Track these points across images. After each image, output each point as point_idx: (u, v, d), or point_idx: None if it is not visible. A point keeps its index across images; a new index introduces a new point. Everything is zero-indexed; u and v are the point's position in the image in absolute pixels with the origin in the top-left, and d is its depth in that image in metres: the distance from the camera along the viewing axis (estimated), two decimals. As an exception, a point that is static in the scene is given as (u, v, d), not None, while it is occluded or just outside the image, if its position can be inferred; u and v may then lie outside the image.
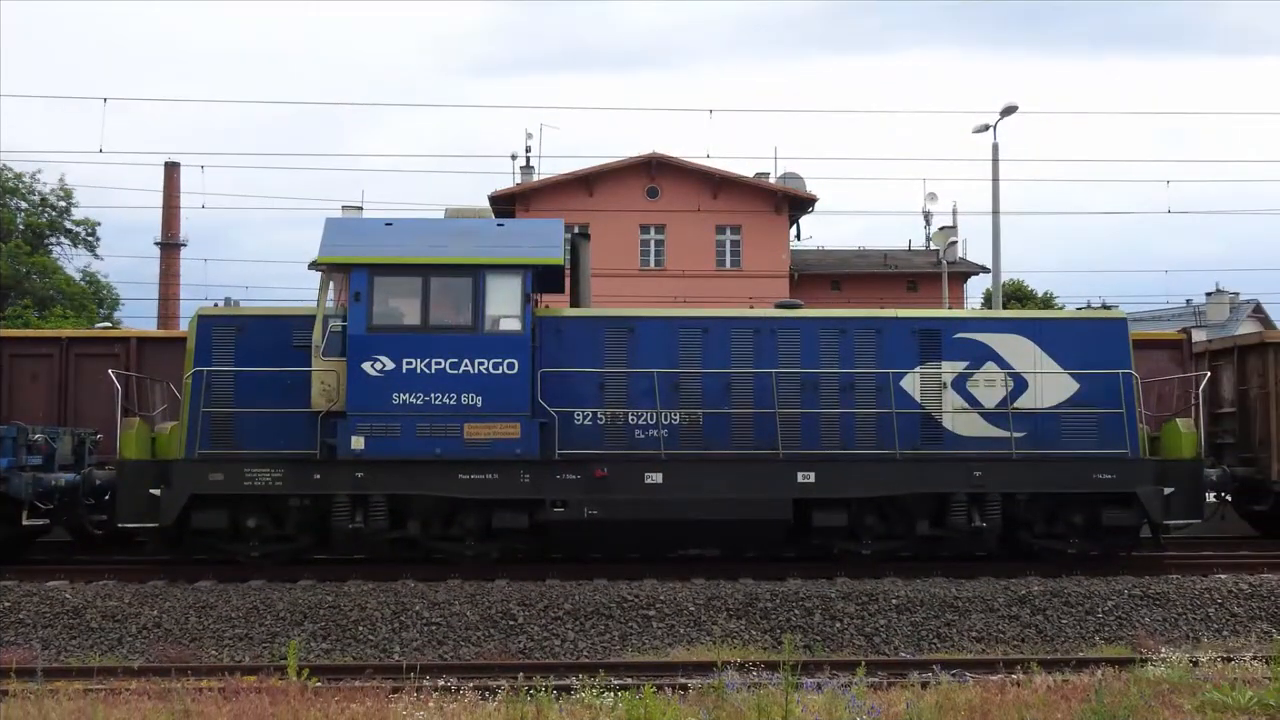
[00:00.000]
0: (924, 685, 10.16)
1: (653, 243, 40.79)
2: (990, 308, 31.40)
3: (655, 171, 40.35)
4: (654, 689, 9.25)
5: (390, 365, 14.18)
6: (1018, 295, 54.14)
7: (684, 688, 10.15)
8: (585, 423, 14.78)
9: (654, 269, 40.31)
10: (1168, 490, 14.81)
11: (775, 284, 38.79)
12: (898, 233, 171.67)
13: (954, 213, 47.24)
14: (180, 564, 15.00)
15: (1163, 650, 12.00)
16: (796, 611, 13.53)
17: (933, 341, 15.25)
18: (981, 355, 15.21)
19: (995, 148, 29.94)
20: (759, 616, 13.46)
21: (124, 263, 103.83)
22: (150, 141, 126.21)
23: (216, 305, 22.97)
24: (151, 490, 14.27)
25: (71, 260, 51.37)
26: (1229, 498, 17.04)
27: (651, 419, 14.84)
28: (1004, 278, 34.46)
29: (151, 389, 17.48)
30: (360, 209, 40.08)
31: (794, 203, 41.39)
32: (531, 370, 14.40)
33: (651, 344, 15.05)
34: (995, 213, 29.67)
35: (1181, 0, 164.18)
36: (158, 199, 55.83)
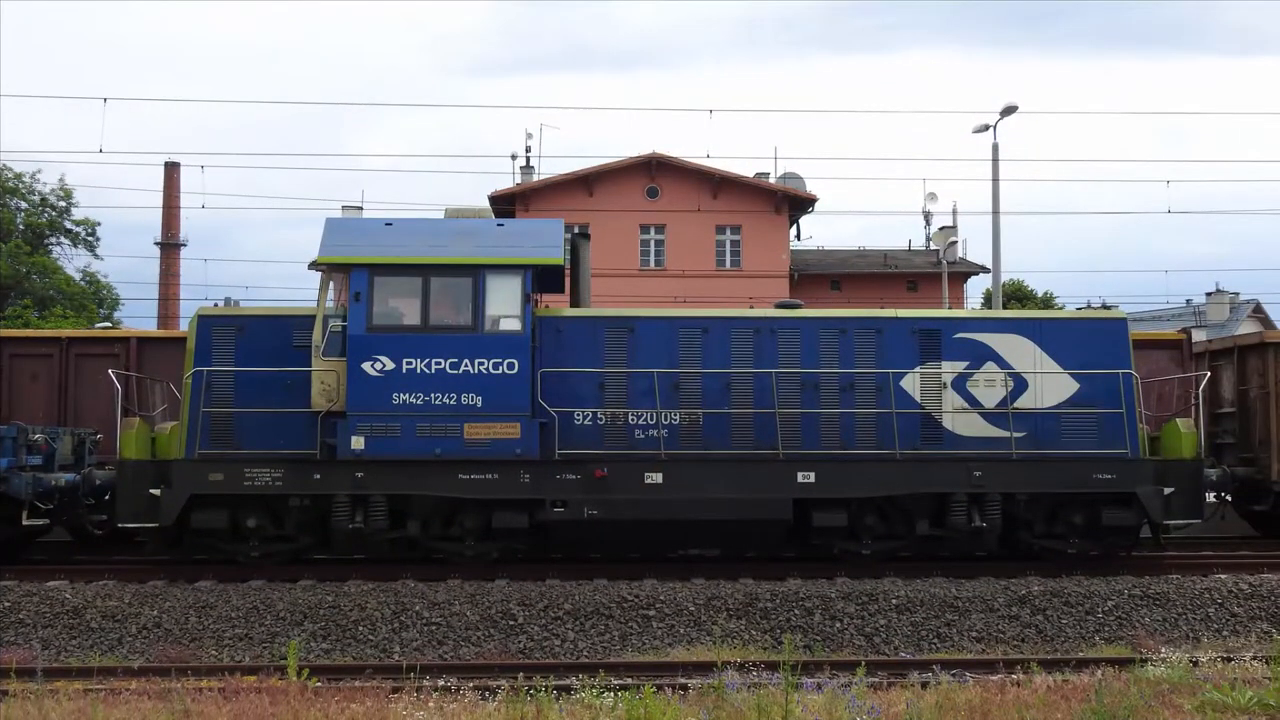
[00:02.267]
0: (924, 685, 10.16)
1: (653, 243, 40.77)
2: (990, 308, 31.42)
3: (655, 171, 40.33)
4: (654, 689, 9.25)
5: (390, 365, 14.18)
6: (1018, 295, 54.17)
7: (684, 688, 10.14)
8: (585, 423, 14.78)
9: (654, 269, 40.30)
10: (1168, 490, 14.80)
11: (775, 284, 38.78)
12: (898, 233, 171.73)
13: (954, 213, 47.35)
14: (180, 564, 15.00)
15: (1163, 650, 12.00)
16: (796, 611, 13.53)
17: (933, 341, 15.25)
18: (981, 355, 15.20)
19: (995, 148, 30.01)
20: (759, 616, 13.45)
21: (124, 263, 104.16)
22: (150, 141, 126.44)
23: (217, 305, 22.95)
24: (151, 490, 14.27)
25: (71, 260, 51.42)
26: (1229, 498, 17.05)
27: (651, 419, 14.83)
28: (1004, 278, 34.52)
29: (151, 389, 17.48)
30: (360, 209, 40.11)
31: (794, 203, 41.37)
32: (531, 370, 14.40)
33: (651, 344, 15.05)
34: (995, 213, 29.72)
35: (1181, 0, 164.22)
36: (158, 199, 56.01)
